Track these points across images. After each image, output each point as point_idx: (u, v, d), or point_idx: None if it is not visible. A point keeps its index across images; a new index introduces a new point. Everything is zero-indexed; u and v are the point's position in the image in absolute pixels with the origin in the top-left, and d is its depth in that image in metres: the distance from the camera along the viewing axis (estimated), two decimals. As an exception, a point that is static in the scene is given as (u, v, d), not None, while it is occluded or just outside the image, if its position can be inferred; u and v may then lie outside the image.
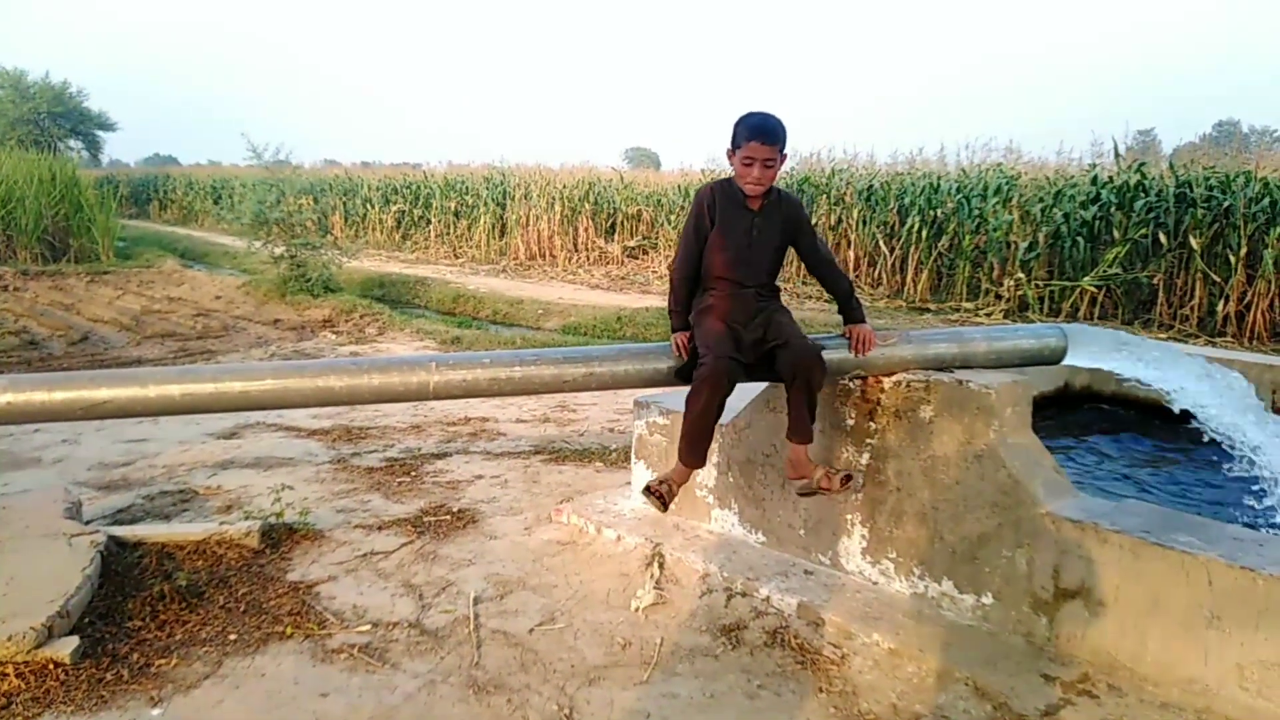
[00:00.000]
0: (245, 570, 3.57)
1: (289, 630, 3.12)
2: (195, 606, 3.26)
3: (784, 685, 2.82)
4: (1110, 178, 11.92)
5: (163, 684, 2.78)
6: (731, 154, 2.99)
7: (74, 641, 2.87)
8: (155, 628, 3.11)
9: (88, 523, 3.83)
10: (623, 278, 15.62)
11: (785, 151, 2.99)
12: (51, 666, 2.77)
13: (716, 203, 3.05)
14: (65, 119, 43.10)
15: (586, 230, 18.07)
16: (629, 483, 4.29)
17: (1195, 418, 3.38)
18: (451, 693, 2.76)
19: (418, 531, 4.05)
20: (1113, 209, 11.34)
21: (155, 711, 2.64)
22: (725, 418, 3.74)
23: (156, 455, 5.28)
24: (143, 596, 3.26)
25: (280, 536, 3.87)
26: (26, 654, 2.77)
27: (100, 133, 45.91)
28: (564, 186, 18.87)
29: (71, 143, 43.54)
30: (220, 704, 2.69)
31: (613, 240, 17.73)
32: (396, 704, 2.69)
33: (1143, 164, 11.65)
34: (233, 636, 3.07)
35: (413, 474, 4.92)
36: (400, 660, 2.94)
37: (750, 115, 2.95)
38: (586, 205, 18.23)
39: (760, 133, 2.89)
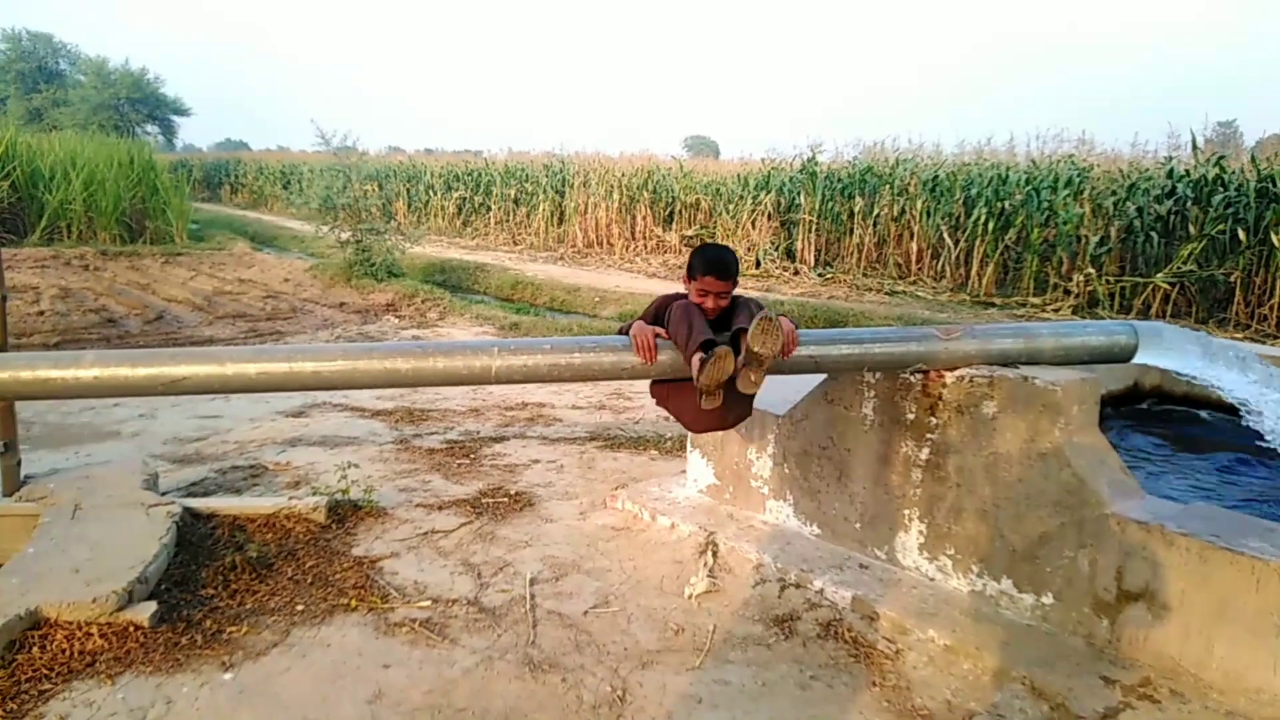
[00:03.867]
0: (312, 544, 3.70)
1: (353, 603, 3.22)
2: (265, 577, 3.39)
3: (837, 677, 2.82)
4: (1187, 171, 11.51)
5: (234, 650, 2.90)
6: (688, 281, 3.12)
7: (152, 606, 3.01)
8: (227, 596, 3.24)
9: (164, 494, 4.00)
10: (680, 267, 15.56)
11: (738, 280, 3.14)
12: (132, 629, 2.92)
13: None
14: (143, 104, 44.65)
15: (644, 219, 18.07)
16: (684, 471, 4.31)
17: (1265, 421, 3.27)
18: (508, 669, 2.83)
19: (476, 512, 4.14)
20: (1189, 203, 10.95)
21: (227, 676, 2.76)
22: (781, 409, 3.75)
23: (228, 431, 5.48)
24: (215, 566, 3.40)
25: (346, 513, 3.99)
26: (109, 616, 2.91)
27: (175, 118, 47.51)
28: (623, 175, 18.88)
29: (148, 128, 45.12)
30: (288, 671, 2.80)
31: (670, 229, 17.70)
32: (455, 678, 2.77)
33: (1222, 157, 11.21)
34: (300, 607, 3.19)
35: (472, 456, 5.02)
36: (459, 636, 3.02)
37: (706, 250, 3.13)
38: (645, 194, 18.21)
39: (716, 268, 3.03)
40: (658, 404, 3.37)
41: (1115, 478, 2.89)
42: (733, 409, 3.06)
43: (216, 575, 3.35)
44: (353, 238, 12.80)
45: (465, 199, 23.47)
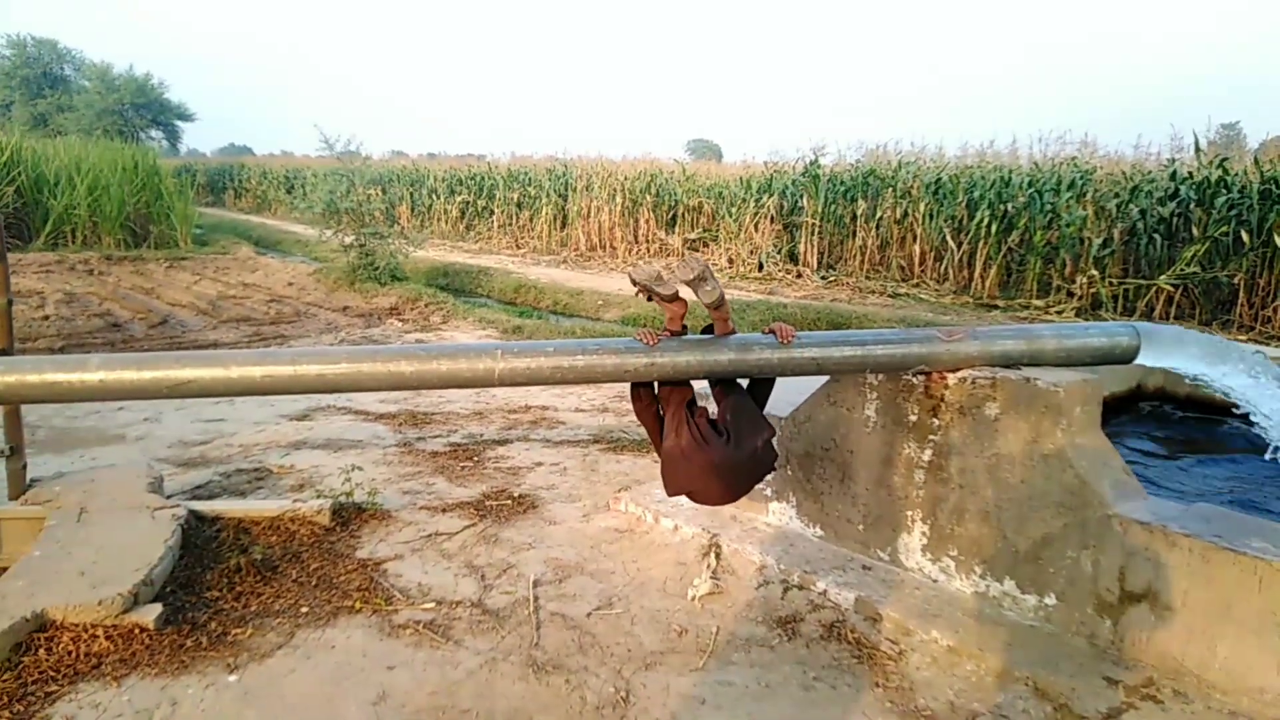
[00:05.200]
0: (317, 546, 3.71)
1: (358, 605, 3.23)
2: (269, 579, 3.40)
3: (840, 678, 2.82)
4: (1190, 173, 11.49)
5: (239, 652, 2.91)
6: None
7: (157, 608, 3.02)
8: (232, 598, 3.26)
9: (169, 497, 4.01)
10: (683, 270, 15.57)
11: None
12: (137, 631, 2.93)
13: None
14: (147, 110, 44.75)
15: (647, 222, 18.09)
16: (687, 473, 4.31)
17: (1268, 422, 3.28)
18: (512, 671, 2.83)
19: (480, 515, 4.15)
20: (1192, 205, 10.94)
21: (232, 678, 2.77)
22: (784, 411, 3.75)
23: (233, 435, 5.49)
24: (220, 568, 3.42)
25: (350, 515, 4.01)
26: (115, 618, 2.93)
27: (179, 123, 47.59)
28: (625, 178, 18.89)
29: (152, 133, 45.21)
30: (292, 673, 2.81)
31: (673, 232, 17.71)
32: (459, 679, 2.78)
33: (1225, 159, 11.20)
34: (304, 609, 3.20)
35: (475, 459, 5.03)
36: (463, 638, 3.03)
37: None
38: (648, 197, 18.23)
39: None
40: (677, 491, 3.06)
41: (1118, 478, 2.89)
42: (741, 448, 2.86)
43: (221, 578, 3.36)
44: (356, 242, 12.83)
45: (468, 203, 23.50)
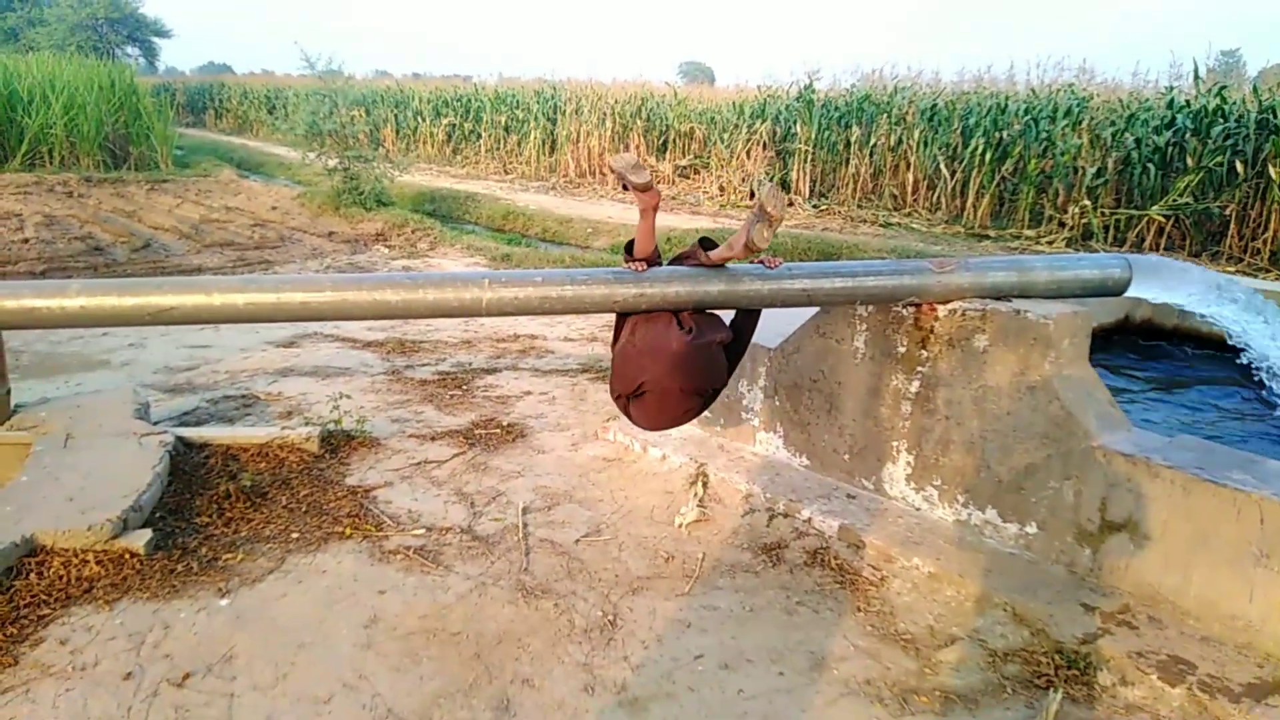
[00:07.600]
0: (306, 473, 3.72)
1: (348, 531, 3.26)
2: (259, 506, 3.41)
3: (822, 603, 2.88)
4: (1188, 101, 11.33)
5: (230, 576, 2.94)
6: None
7: (147, 534, 3.04)
8: (222, 524, 3.27)
9: (156, 423, 4.00)
10: (673, 198, 15.40)
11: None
12: (128, 556, 2.95)
13: None
14: (122, 25, 43.35)
15: (638, 148, 17.75)
16: (676, 402, 4.32)
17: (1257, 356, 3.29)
18: (501, 595, 2.88)
19: (469, 443, 4.16)
20: (1188, 135, 10.81)
21: (223, 602, 2.80)
22: (773, 342, 3.74)
23: (219, 361, 5.46)
24: (210, 494, 3.43)
25: (339, 443, 4.01)
26: (105, 543, 2.94)
27: (156, 39, 46.17)
28: (616, 102, 18.50)
29: (128, 49, 43.85)
30: (284, 597, 2.84)
31: (664, 159, 17.44)
32: (449, 603, 2.82)
33: (1224, 87, 11.04)
34: (295, 535, 3.23)
35: (464, 388, 5.03)
36: (453, 563, 3.07)
37: None
38: (638, 122, 17.89)
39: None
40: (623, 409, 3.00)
41: (1103, 410, 2.91)
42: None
43: (211, 504, 3.38)
44: (340, 165, 12.57)
45: (455, 126, 23.02)
